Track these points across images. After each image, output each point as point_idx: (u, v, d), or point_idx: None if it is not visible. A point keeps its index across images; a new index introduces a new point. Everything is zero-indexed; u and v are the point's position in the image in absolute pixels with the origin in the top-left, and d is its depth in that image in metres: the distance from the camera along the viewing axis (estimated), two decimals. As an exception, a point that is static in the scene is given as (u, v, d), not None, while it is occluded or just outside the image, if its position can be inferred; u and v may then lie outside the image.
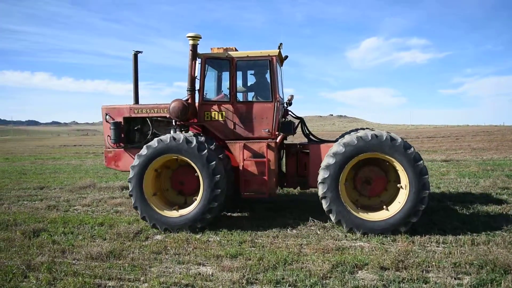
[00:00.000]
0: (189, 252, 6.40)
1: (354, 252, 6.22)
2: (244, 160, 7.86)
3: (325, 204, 7.20)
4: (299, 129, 9.13)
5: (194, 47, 7.92)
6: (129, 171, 7.68)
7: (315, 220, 7.89)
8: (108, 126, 8.67)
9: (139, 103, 8.96)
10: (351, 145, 7.06)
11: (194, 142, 7.38)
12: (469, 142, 31.09)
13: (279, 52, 8.32)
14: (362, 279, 5.20)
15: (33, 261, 5.99)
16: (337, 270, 5.44)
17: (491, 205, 9.00)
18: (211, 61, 8.29)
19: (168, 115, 8.20)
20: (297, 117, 9.40)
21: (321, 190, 7.19)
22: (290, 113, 9.29)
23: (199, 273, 5.48)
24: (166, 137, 7.53)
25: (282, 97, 8.75)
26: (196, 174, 7.52)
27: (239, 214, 9.01)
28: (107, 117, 8.75)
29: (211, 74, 8.74)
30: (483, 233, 6.94)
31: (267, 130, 7.99)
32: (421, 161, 6.94)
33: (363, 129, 8.27)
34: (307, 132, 9.29)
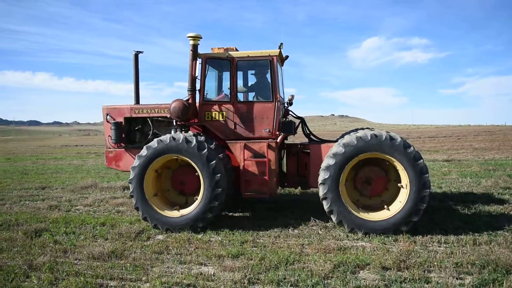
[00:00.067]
0: (190, 252, 6.41)
1: (355, 252, 6.21)
2: (244, 160, 7.86)
3: (326, 205, 7.20)
4: (299, 129, 9.13)
5: (195, 47, 7.92)
6: (130, 171, 7.69)
7: (316, 220, 7.89)
8: (109, 126, 8.68)
9: (140, 103, 8.97)
10: (351, 145, 7.06)
11: (194, 142, 7.38)
12: (471, 142, 31.03)
13: (280, 52, 8.32)
14: (364, 279, 5.19)
15: (35, 261, 6.00)
16: (338, 270, 5.44)
17: (493, 205, 8.98)
18: (211, 61, 8.29)
19: (168, 115, 8.21)
20: (298, 117, 9.40)
21: (321, 191, 7.19)
22: (290, 113, 9.30)
23: (201, 273, 5.48)
24: (165, 138, 7.53)
25: (282, 97, 8.75)
26: (196, 173, 7.53)
27: (240, 214, 9.01)
28: (108, 117, 8.76)
29: (211, 74, 8.74)
30: (485, 233, 6.93)
31: (267, 130, 7.99)
32: (421, 160, 6.93)
33: (362, 129, 8.26)
34: (308, 132, 9.29)
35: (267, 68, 8.16)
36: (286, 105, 8.93)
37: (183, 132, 8.07)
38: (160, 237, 7.32)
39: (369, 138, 7.03)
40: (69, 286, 5.13)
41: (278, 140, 7.93)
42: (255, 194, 8.00)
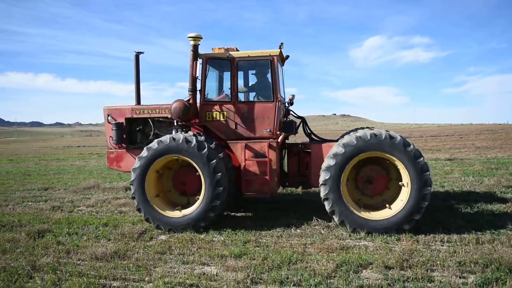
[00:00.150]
0: (193, 252, 6.41)
1: (358, 251, 6.21)
2: (245, 160, 7.86)
3: (327, 206, 7.19)
4: (300, 129, 9.13)
5: (195, 48, 7.92)
6: (131, 173, 7.71)
7: (319, 220, 7.89)
8: (110, 127, 8.69)
9: (141, 104, 8.98)
10: (351, 145, 7.05)
11: (194, 142, 7.39)
12: (473, 141, 30.96)
13: (280, 51, 8.32)
14: (366, 278, 5.18)
15: (38, 262, 6.02)
16: (341, 270, 5.44)
17: (495, 203, 8.96)
18: (212, 61, 8.30)
19: (169, 116, 8.22)
20: (299, 117, 9.40)
21: (323, 192, 7.19)
22: (291, 112, 9.30)
23: (204, 273, 5.49)
24: (165, 138, 7.54)
25: (283, 96, 8.76)
26: (197, 173, 7.53)
27: (243, 214, 9.02)
28: (109, 118, 8.77)
29: (212, 74, 8.74)
30: (487, 231, 6.92)
31: (268, 130, 7.99)
32: (422, 158, 6.92)
33: (362, 128, 8.26)
34: (309, 131, 9.29)
35: (267, 68, 8.16)
36: (287, 104, 8.93)
37: (182, 132, 8.08)
38: (163, 237, 7.33)
39: (369, 137, 7.02)
40: (72, 287, 5.14)
41: (279, 140, 7.93)
42: (256, 194, 8.01)
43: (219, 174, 7.34)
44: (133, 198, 7.69)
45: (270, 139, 7.93)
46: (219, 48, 8.37)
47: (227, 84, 8.41)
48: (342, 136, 8.19)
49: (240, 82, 8.77)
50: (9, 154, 33.61)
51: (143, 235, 7.38)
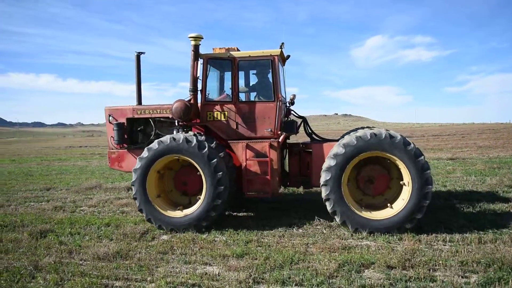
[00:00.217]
0: (195, 252, 6.42)
1: (360, 251, 6.20)
2: (246, 159, 7.86)
3: (329, 206, 7.19)
4: (301, 129, 9.13)
5: (196, 48, 7.93)
6: (132, 174, 7.72)
7: (321, 219, 7.88)
8: (111, 127, 8.71)
9: (142, 104, 8.99)
10: (351, 145, 7.05)
11: (194, 141, 7.40)
12: (475, 140, 30.90)
13: (281, 51, 8.32)
14: (368, 278, 5.18)
15: (41, 262, 6.04)
16: (343, 269, 5.43)
17: (498, 203, 8.94)
18: (213, 61, 8.30)
19: (170, 116, 8.22)
20: (300, 116, 9.40)
21: (324, 192, 7.19)
22: (292, 112, 9.30)
23: (206, 273, 5.49)
24: (166, 138, 7.55)
25: (284, 96, 8.76)
26: (198, 173, 7.54)
27: (244, 213, 9.02)
28: (110, 118, 8.78)
29: (213, 74, 8.74)
30: (490, 231, 6.90)
31: (269, 130, 7.99)
32: (422, 157, 6.91)
33: (362, 128, 8.25)
34: (310, 131, 9.29)
35: (268, 67, 8.17)
36: (287, 104, 8.94)
37: (183, 132, 8.09)
38: (165, 237, 7.34)
39: (369, 137, 7.02)
40: (75, 287, 5.15)
41: (280, 140, 7.93)
42: (257, 194, 8.01)
43: (220, 173, 7.35)
44: (135, 199, 7.70)
45: (271, 139, 7.93)
46: (220, 48, 8.37)
47: (228, 84, 8.42)
48: (343, 136, 8.19)
49: (241, 82, 8.77)
50: (11, 155, 33.70)
51: (145, 235, 7.39)
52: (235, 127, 8.11)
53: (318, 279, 5.11)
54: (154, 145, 7.56)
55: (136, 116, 8.72)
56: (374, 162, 7.47)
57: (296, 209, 9.03)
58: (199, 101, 8.22)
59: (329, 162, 7.16)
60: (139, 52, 8.86)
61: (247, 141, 7.94)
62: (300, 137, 10.85)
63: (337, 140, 8.03)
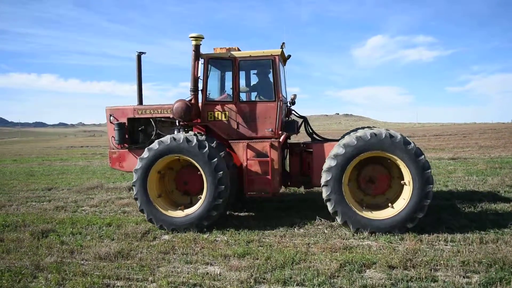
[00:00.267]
0: (196, 251, 6.42)
1: (362, 251, 6.20)
2: (247, 159, 7.87)
3: (330, 207, 7.19)
4: (302, 128, 9.13)
5: (197, 48, 7.93)
6: (133, 174, 7.73)
7: (322, 219, 7.88)
8: (112, 127, 8.72)
9: (143, 104, 9.00)
10: (351, 145, 7.04)
11: (195, 141, 7.40)
12: (477, 140, 30.85)
13: (282, 51, 8.32)
14: (370, 278, 5.18)
15: (42, 262, 6.05)
16: (345, 269, 5.43)
17: (499, 203, 8.92)
18: (214, 61, 8.30)
19: (171, 116, 8.23)
20: (301, 116, 9.40)
21: (325, 193, 7.18)
22: (293, 112, 9.30)
23: (207, 273, 5.49)
24: (166, 138, 7.56)
25: (285, 96, 8.76)
26: (199, 173, 7.54)
27: (246, 213, 9.02)
28: (111, 118, 8.79)
29: (214, 74, 8.74)
30: (491, 231, 6.89)
31: (270, 130, 7.99)
32: (423, 156, 6.91)
33: (363, 128, 8.24)
34: (311, 131, 9.29)
35: (269, 67, 8.17)
36: (288, 104, 8.94)
37: (183, 132, 8.09)
38: (166, 237, 7.34)
39: (369, 137, 7.01)
40: (76, 286, 5.16)
41: (280, 140, 7.93)
42: (258, 194, 8.01)
43: (221, 172, 7.35)
44: (136, 199, 7.71)
45: (272, 139, 7.93)
46: (220, 48, 8.38)
47: (228, 84, 8.42)
48: (343, 136, 8.18)
49: (242, 82, 8.77)
50: (13, 155, 33.77)
51: (146, 235, 7.40)
52: (236, 127, 8.11)
53: (319, 279, 5.10)
54: (155, 145, 7.57)
55: (137, 116, 8.73)
56: (375, 162, 7.46)
57: (298, 209, 9.03)
58: (200, 101, 8.23)
59: (329, 162, 7.16)
60: (140, 52, 8.87)
61: (248, 141, 7.94)
62: (301, 137, 10.86)
63: (338, 140, 8.02)
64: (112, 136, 8.71)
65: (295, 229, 7.50)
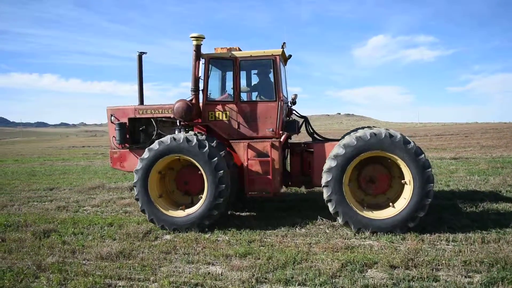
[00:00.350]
0: (198, 251, 6.43)
1: (363, 250, 6.19)
2: (248, 159, 7.87)
3: (331, 207, 7.19)
4: (303, 128, 9.12)
5: (198, 48, 7.94)
6: (134, 175, 7.73)
7: (323, 219, 7.88)
8: (113, 127, 8.72)
9: (144, 104, 9.00)
10: (351, 146, 7.04)
11: (195, 141, 7.41)
12: (478, 140, 30.81)
13: (283, 51, 8.32)
14: (371, 277, 5.17)
15: (44, 262, 6.06)
16: (346, 269, 5.43)
17: (501, 202, 8.91)
18: (214, 61, 8.30)
19: (172, 116, 8.23)
20: (301, 116, 9.40)
21: (325, 193, 7.18)
22: (294, 112, 9.30)
23: (209, 273, 5.49)
24: (166, 139, 7.57)
25: (286, 96, 8.76)
26: (199, 172, 7.55)
27: (247, 213, 9.02)
28: (112, 118, 8.80)
29: (214, 74, 8.75)
30: (493, 231, 6.88)
31: (271, 130, 7.99)
32: (423, 155, 6.90)
33: (362, 128, 8.24)
34: (311, 131, 9.30)
35: (270, 67, 8.17)
36: (289, 104, 8.94)
37: (183, 132, 8.09)
38: (168, 237, 7.35)
39: (369, 137, 7.01)
40: (78, 286, 5.17)
41: (281, 139, 7.93)
42: (259, 193, 8.02)
43: (221, 171, 7.35)
44: (137, 199, 7.72)
45: (273, 139, 7.94)
46: (221, 48, 8.38)
47: (229, 84, 8.43)
48: (343, 137, 8.18)
49: (243, 82, 8.77)
50: (14, 155, 33.84)
51: (148, 235, 7.41)
52: (236, 127, 8.12)
53: (321, 279, 5.10)
54: (155, 145, 7.58)
55: (138, 116, 8.73)
56: (375, 162, 7.46)
57: (299, 209, 9.03)
58: (200, 101, 8.23)
59: (329, 163, 7.16)
60: (141, 52, 8.88)
61: (249, 141, 7.95)
62: (302, 137, 10.86)
63: (339, 140, 8.02)
64: (113, 136, 8.71)
65: (297, 229, 7.50)
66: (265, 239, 6.96)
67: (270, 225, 7.74)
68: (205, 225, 7.49)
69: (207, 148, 7.38)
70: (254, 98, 8.60)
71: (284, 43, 8.39)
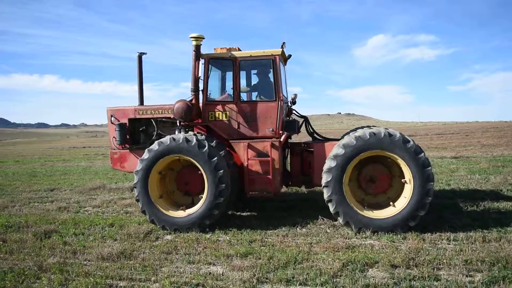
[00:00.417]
0: (199, 251, 6.43)
1: (364, 250, 6.19)
2: (248, 159, 7.87)
3: (331, 207, 7.19)
4: (303, 128, 9.12)
5: (197, 48, 7.94)
6: (134, 175, 7.73)
7: (324, 219, 7.87)
8: (113, 128, 8.72)
9: (144, 104, 9.01)
10: (350, 145, 7.04)
11: (194, 141, 7.41)
12: (479, 139, 30.80)
13: (282, 51, 8.32)
14: (372, 277, 5.17)
15: (45, 262, 6.07)
16: (347, 269, 5.43)
17: (502, 201, 8.90)
18: (214, 61, 8.30)
19: (172, 116, 8.23)
20: (301, 116, 9.40)
21: (326, 194, 7.18)
22: (294, 111, 9.30)
23: (210, 273, 5.50)
24: (166, 139, 7.58)
25: (286, 96, 8.76)
26: (199, 172, 7.55)
27: (248, 213, 9.02)
28: (112, 118, 8.80)
29: (214, 74, 8.74)
30: (494, 230, 6.87)
31: (271, 129, 8.00)
32: (422, 154, 6.89)
33: (362, 128, 8.23)
34: (311, 130, 9.30)
35: (269, 67, 8.17)
36: (289, 104, 8.95)
37: (183, 132, 8.10)
38: (169, 237, 7.35)
39: (368, 137, 7.00)
40: (79, 287, 5.17)
41: (281, 139, 7.93)
42: (259, 193, 8.02)
43: (221, 171, 7.35)
44: (137, 200, 7.72)
45: (273, 139, 7.94)
46: (221, 48, 8.38)
47: (229, 84, 8.43)
48: (343, 136, 8.18)
49: (243, 82, 8.77)
50: (15, 155, 33.88)
51: (149, 235, 7.41)
52: (236, 127, 8.12)
53: (322, 279, 5.10)
54: (155, 146, 7.58)
55: (138, 116, 8.73)
56: (375, 161, 7.45)
57: (300, 209, 9.03)
58: (200, 101, 8.23)
59: (329, 163, 7.16)
60: (141, 53, 8.88)
61: (249, 140, 7.95)
62: (302, 137, 10.86)
63: (339, 140, 8.02)
64: (113, 137, 8.71)
65: (297, 229, 7.50)
66: (266, 239, 6.96)
67: (271, 225, 7.74)
68: (206, 225, 7.49)
69: (206, 148, 7.38)
70: (254, 98, 8.59)
71: (283, 43, 8.39)
